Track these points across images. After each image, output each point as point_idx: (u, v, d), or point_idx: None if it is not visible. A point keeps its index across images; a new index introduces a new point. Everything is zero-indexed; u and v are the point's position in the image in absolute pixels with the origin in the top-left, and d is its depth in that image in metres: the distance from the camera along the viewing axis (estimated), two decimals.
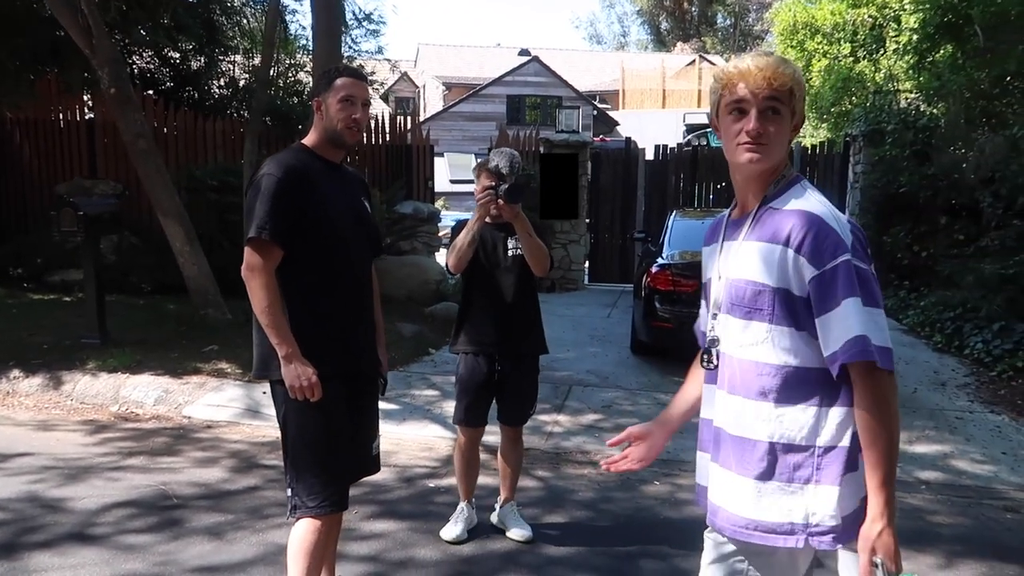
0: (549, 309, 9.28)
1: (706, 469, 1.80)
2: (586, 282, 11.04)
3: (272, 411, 2.66)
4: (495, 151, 3.40)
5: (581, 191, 10.48)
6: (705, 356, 1.77)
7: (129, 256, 8.63)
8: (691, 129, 19.10)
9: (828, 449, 1.62)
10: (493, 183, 3.22)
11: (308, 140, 2.59)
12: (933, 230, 8.83)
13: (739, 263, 1.69)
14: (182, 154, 9.33)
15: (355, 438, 2.60)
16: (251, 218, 2.40)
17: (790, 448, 1.64)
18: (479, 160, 3.43)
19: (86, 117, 9.61)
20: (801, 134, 14.73)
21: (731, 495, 1.71)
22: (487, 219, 3.30)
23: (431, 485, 4.23)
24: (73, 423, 5.16)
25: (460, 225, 3.41)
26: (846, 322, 1.54)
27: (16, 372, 5.86)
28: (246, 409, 5.33)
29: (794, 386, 1.63)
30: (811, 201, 1.65)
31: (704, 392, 1.81)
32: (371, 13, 11.66)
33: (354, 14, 10.36)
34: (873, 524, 1.54)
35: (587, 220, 10.89)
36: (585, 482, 4.36)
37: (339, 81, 2.52)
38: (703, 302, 1.87)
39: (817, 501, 1.62)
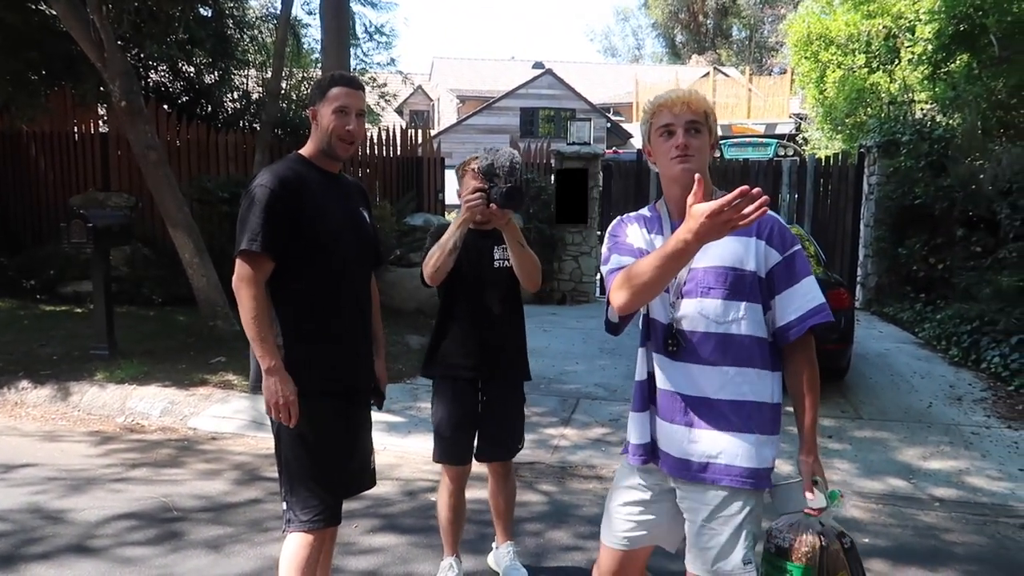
0: (560, 321, 9.32)
1: (670, 434, 2.04)
2: (597, 294, 10.98)
3: None
4: (489, 149, 3.00)
5: (592, 202, 10.50)
6: (670, 340, 2.00)
7: (141, 268, 8.68)
8: None
9: (776, 405, 2.01)
10: (484, 184, 2.83)
11: (305, 150, 2.54)
12: (950, 242, 8.71)
13: (714, 254, 1.96)
14: (194, 166, 9.40)
15: (351, 453, 2.56)
16: (243, 229, 2.35)
17: (762, 405, 1.99)
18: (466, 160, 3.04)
19: (100, 130, 9.70)
20: (815, 146, 14.65)
21: (728, 450, 1.97)
22: (472, 224, 2.92)
23: (433, 499, 4.17)
24: (79, 434, 5.16)
25: (439, 229, 3.02)
26: (811, 293, 1.97)
27: (25, 383, 5.88)
28: (251, 421, 5.31)
29: (764, 355, 1.99)
30: None
31: (666, 369, 2.04)
32: (382, 26, 11.75)
33: (365, 27, 10.41)
34: (810, 454, 1.99)
35: (598, 232, 10.85)
36: (590, 497, 4.29)
37: (333, 91, 2.46)
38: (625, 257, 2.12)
39: (772, 450, 2.01)
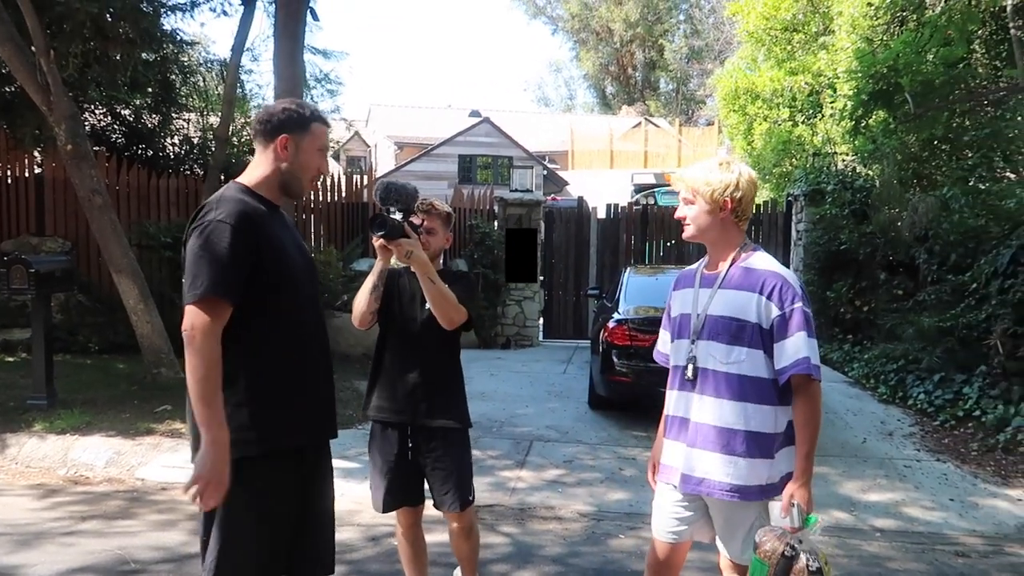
0: (506, 365, 9.40)
1: (678, 453, 2.44)
2: (541, 338, 11.14)
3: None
4: (378, 182, 2.91)
5: (536, 263, 10.72)
6: (685, 371, 2.42)
7: (77, 315, 8.42)
8: (639, 189, 19.64)
9: (778, 434, 2.36)
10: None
11: (250, 179, 2.26)
12: (873, 285, 9.21)
13: (722, 305, 2.38)
14: (134, 211, 9.22)
15: (308, 520, 2.30)
16: (200, 271, 2.05)
17: (760, 434, 2.34)
18: None
19: (36, 173, 9.44)
20: None
21: (716, 469, 2.35)
22: (393, 263, 2.80)
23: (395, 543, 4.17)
24: (20, 487, 4.96)
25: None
26: (796, 346, 2.29)
27: None
28: None
29: (763, 391, 2.34)
30: (774, 264, 2.41)
31: (677, 396, 2.47)
32: (328, 73, 11.85)
33: (315, 75, 10.50)
34: (797, 480, 2.29)
35: (541, 277, 11.06)
36: (551, 537, 4.36)
37: (316, 126, 2.28)
38: (665, 332, 2.62)
39: (773, 470, 2.34)
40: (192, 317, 2.03)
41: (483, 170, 26.13)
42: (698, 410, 2.40)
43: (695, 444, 2.40)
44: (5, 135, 8.84)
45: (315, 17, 7.19)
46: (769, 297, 2.31)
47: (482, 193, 12.31)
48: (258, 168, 2.26)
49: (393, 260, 2.79)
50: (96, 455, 5.39)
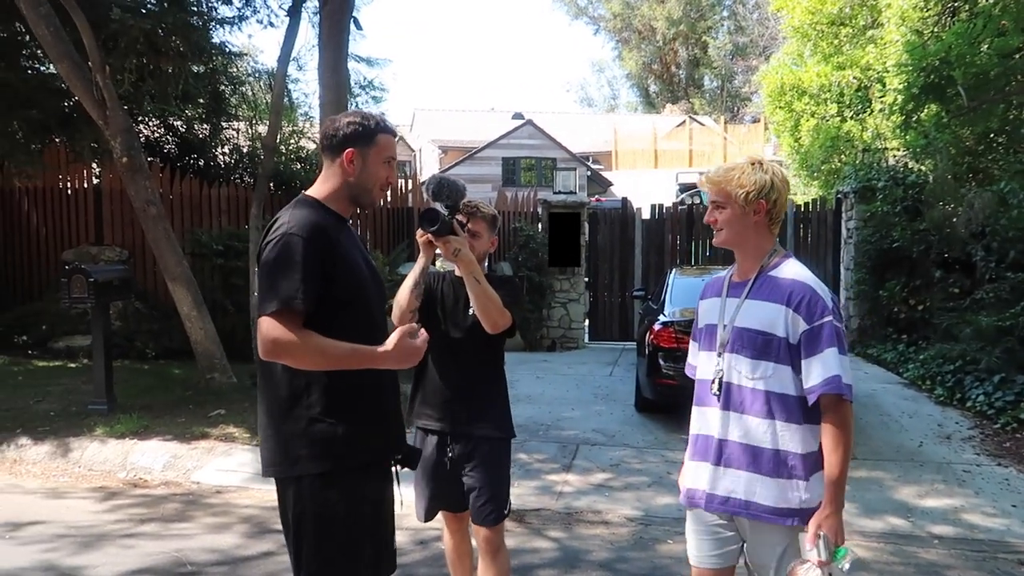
0: (551, 368, 9.40)
1: (702, 473, 2.30)
2: (586, 341, 11.11)
3: None
4: (429, 178, 2.81)
5: (580, 248, 10.71)
6: (713, 385, 2.27)
7: (134, 322, 8.69)
8: (684, 188, 19.47)
9: (808, 455, 2.20)
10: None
11: (319, 192, 2.27)
12: (928, 283, 8.97)
13: (749, 316, 2.23)
14: (187, 220, 9.49)
15: (385, 534, 2.29)
16: (276, 283, 2.06)
17: (788, 454, 2.19)
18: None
19: (94, 184, 9.78)
20: (793, 192, 15.04)
21: (743, 488, 2.22)
22: (439, 266, 2.79)
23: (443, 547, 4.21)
24: (83, 490, 5.14)
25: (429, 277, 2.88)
26: (826, 364, 2.13)
27: (24, 439, 5.84)
28: (256, 473, 5.31)
29: (790, 409, 2.19)
30: (804, 273, 2.23)
31: (702, 413, 2.33)
32: (373, 80, 12.01)
33: (359, 83, 10.66)
34: (825, 509, 2.13)
35: (586, 279, 11.02)
36: (598, 542, 4.35)
37: (383, 138, 2.27)
38: (695, 343, 2.47)
39: (804, 493, 2.19)
40: (268, 329, 2.04)
41: (527, 172, 26.16)
42: (724, 427, 2.25)
43: (720, 462, 2.26)
44: (65, 148, 9.17)
45: (358, 26, 7.30)
46: (797, 310, 2.16)
47: (526, 196, 12.33)
48: (327, 182, 2.26)
49: (439, 262, 2.74)
50: (154, 459, 5.56)
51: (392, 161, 2.30)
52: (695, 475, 2.35)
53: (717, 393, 2.26)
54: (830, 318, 2.14)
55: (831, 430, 2.14)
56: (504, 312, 2.73)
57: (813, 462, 2.19)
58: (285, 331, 2.03)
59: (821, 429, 2.17)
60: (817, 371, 2.13)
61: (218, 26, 8.49)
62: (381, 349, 2.09)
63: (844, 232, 10.57)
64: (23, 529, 4.32)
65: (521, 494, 4.97)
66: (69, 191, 9.64)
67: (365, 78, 10.59)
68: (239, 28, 12.13)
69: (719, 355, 2.27)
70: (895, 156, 11.53)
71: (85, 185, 9.71)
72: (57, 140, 9.00)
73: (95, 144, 8.34)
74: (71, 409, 6.42)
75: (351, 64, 9.12)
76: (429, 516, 2.97)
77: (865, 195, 9.95)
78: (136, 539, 4.22)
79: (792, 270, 2.23)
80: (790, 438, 2.18)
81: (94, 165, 9.66)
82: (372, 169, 2.26)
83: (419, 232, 2.66)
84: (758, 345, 2.19)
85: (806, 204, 11.57)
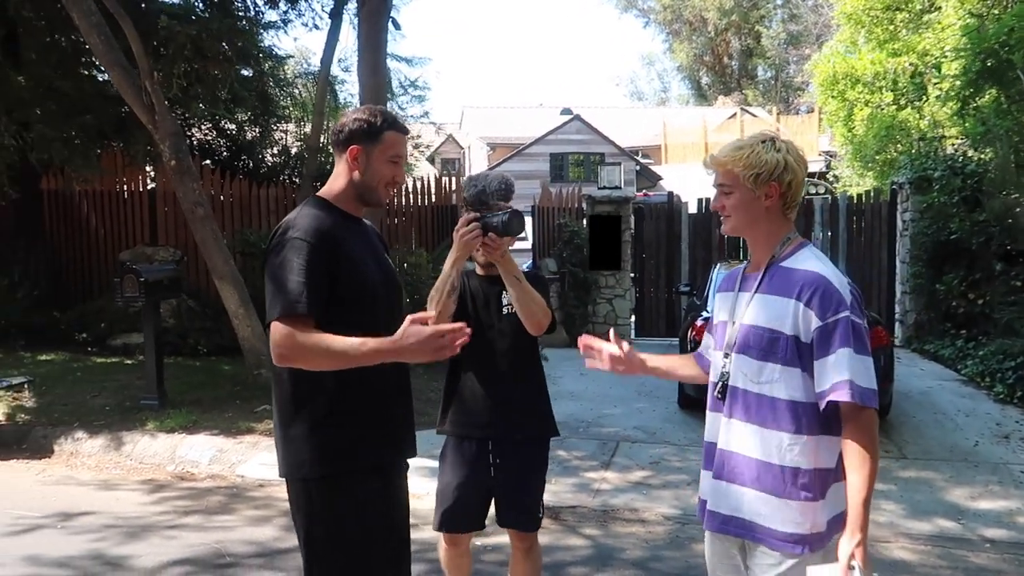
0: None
1: (707, 486, 2.09)
2: (633, 336, 11.00)
3: None
4: (474, 176, 2.74)
5: (624, 246, 10.62)
6: (719, 389, 2.04)
7: (187, 319, 8.93)
8: None
9: (822, 471, 1.94)
10: (475, 214, 2.52)
11: (329, 191, 2.25)
12: (988, 276, 8.64)
13: (755, 312, 1.99)
14: (237, 220, 9.71)
15: (395, 537, 2.27)
16: (281, 288, 2.04)
17: (798, 470, 1.92)
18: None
19: (148, 187, 10.10)
20: (846, 183, 14.65)
21: (745, 507, 1.97)
22: (476, 266, 2.73)
23: (478, 543, 4.22)
24: (133, 482, 5.32)
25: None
26: (839, 367, 1.86)
27: (80, 433, 6.07)
28: None
29: (801, 418, 1.93)
30: (818, 263, 1.96)
31: (711, 419, 2.10)
32: (415, 80, 12.11)
33: (400, 82, 10.76)
34: (854, 535, 1.84)
35: (632, 274, 10.92)
36: (634, 540, 4.31)
37: (389, 135, 2.21)
38: (710, 337, 2.22)
39: (816, 515, 1.93)
40: (277, 335, 2.03)
41: (575, 167, 26.08)
42: (726, 436, 2.02)
43: (722, 475, 2.02)
44: (121, 153, 9.48)
45: (397, 26, 7.37)
46: (808, 304, 1.89)
47: (570, 191, 12.27)
48: (336, 180, 2.24)
49: (479, 260, 2.69)
50: (201, 453, 5.71)
51: (399, 160, 2.25)
52: (703, 485, 2.14)
53: (720, 397, 2.03)
54: (847, 313, 1.88)
55: (853, 445, 1.87)
56: (547, 310, 2.67)
57: (827, 479, 1.94)
58: (292, 336, 2.00)
59: (841, 442, 1.90)
60: (828, 374, 1.87)
61: (263, 30, 8.66)
62: (394, 339, 1.99)
63: (899, 224, 10.24)
64: (75, 519, 4.50)
65: (558, 491, 4.96)
66: (125, 194, 9.97)
67: (407, 78, 10.68)
68: (285, 31, 12.40)
69: (726, 355, 2.04)
70: (953, 145, 11.13)
71: (140, 188, 10.03)
72: (113, 145, 9.32)
73: (149, 148, 8.61)
74: (125, 404, 6.65)
75: (392, 64, 9.24)
76: (445, 528, 2.86)
77: (921, 186, 9.62)
78: (179, 530, 4.35)
79: (806, 259, 1.97)
80: (800, 451, 1.92)
81: (148, 168, 9.96)
82: (377, 167, 2.21)
83: (467, 230, 2.48)
84: (763, 344, 1.94)
85: (859, 196, 11.25)
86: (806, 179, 2.04)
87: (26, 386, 7.09)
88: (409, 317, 2.02)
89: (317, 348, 2.01)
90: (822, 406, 1.89)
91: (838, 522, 1.92)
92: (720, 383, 2.04)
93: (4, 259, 9.32)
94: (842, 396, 1.85)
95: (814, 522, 1.92)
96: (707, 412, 2.13)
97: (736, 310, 2.06)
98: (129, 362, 8.29)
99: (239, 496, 5.01)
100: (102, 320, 8.92)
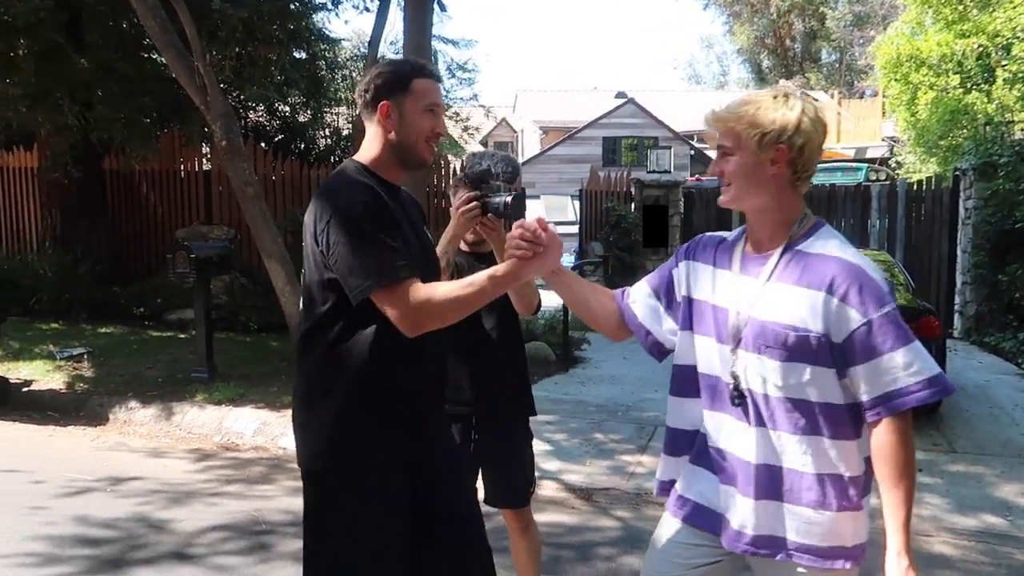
0: (639, 348, 9.20)
1: (710, 488, 1.82)
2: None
3: None
4: (480, 153, 2.68)
5: (673, 230, 10.54)
6: (735, 392, 1.76)
7: (239, 296, 9.17)
8: None
9: (855, 478, 1.73)
10: (476, 192, 2.37)
11: (365, 157, 2.00)
12: None
13: (773, 305, 1.71)
14: (288, 200, 9.91)
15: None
16: (372, 257, 1.82)
17: (834, 479, 1.72)
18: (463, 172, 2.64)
19: (204, 167, 10.38)
20: (909, 169, 14.14)
21: (771, 522, 1.74)
22: (464, 244, 2.65)
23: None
24: (180, 451, 5.51)
25: None
26: (892, 373, 1.63)
27: (133, 403, 6.31)
28: None
29: (837, 422, 1.71)
30: (845, 248, 1.72)
31: (722, 423, 1.80)
32: (464, 63, 12.10)
33: (447, 65, 10.78)
34: (901, 558, 1.62)
35: None
36: None
37: (420, 84, 1.96)
38: (646, 285, 1.96)
39: (857, 525, 1.74)
40: (397, 306, 1.82)
41: (628, 152, 25.81)
42: (743, 443, 1.75)
43: (734, 484, 1.77)
44: (178, 133, 9.76)
45: (443, 7, 7.38)
46: (844, 299, 1.64)
47: (619, 175, 12.17)
48: (371, 146, 1.99)
49: (468, 239, 2.64)
50: (246, 425, 5.88)
51: (437, 108, 1.99)
52: (702, 486, 1.84)
53: (737, 400, 1.75)
54: (892, 307, 1.64)
55: (892, 456, 1.63)
56: (537, 291, 2.64)
57: (864, 485, 1.74)
58: (427, 300, 1.83)
59: (873, 452, 1.68)
60: (877, 383, 1.64)
61: (314, 12, 8.77)
62: (508, 263, 1.82)
63: (962, 212, 9.87)
64: (124, 484, 4.69)
65: (592, 472, 4.96)
66: (182, 173, 10.27)
67: (454, 60, 10.68)
68: (336, 13, 12.52)
69: (732, 351, 1.75)
70: (1021, 130, 10.64)
71: (197, 168, 10.31)
72: (171, 125, 9.59)
73: (204, 129, 8.84)
74: (176, 376, 6.88)
75: (439, 46, 9.23)
76: None
77: (986, 172, 9.26)
78: (221, 498, 4.50)
79: (830, 244, 1.71)
80: (837, 457, 1.70)
81: (204, 149, 10.23)
82: (412, 120, 1.95)
83: (467, 208, 2.31)
84: (789, 344, 1.67)
85: (919, 182, 10.87)
86: (822, 145, 1.77)
87: (86, 357, 7.40)
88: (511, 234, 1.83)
89: (454, 303, 1.85)
90: (874, 417, 1.66)
91: (861, 530, 1.77)
92: (732, 383, 1.76)
93: (68, 237, 9.71)
94: (893, 408, 1.63)
95: (855, 532, 1.73)
96: (706, 409, 1.84)
97: (740, 296, 1.76)
98: (183, 336, 8.56)
99: (279, 467, 5.15)
100: (158, 296, 9.23)
